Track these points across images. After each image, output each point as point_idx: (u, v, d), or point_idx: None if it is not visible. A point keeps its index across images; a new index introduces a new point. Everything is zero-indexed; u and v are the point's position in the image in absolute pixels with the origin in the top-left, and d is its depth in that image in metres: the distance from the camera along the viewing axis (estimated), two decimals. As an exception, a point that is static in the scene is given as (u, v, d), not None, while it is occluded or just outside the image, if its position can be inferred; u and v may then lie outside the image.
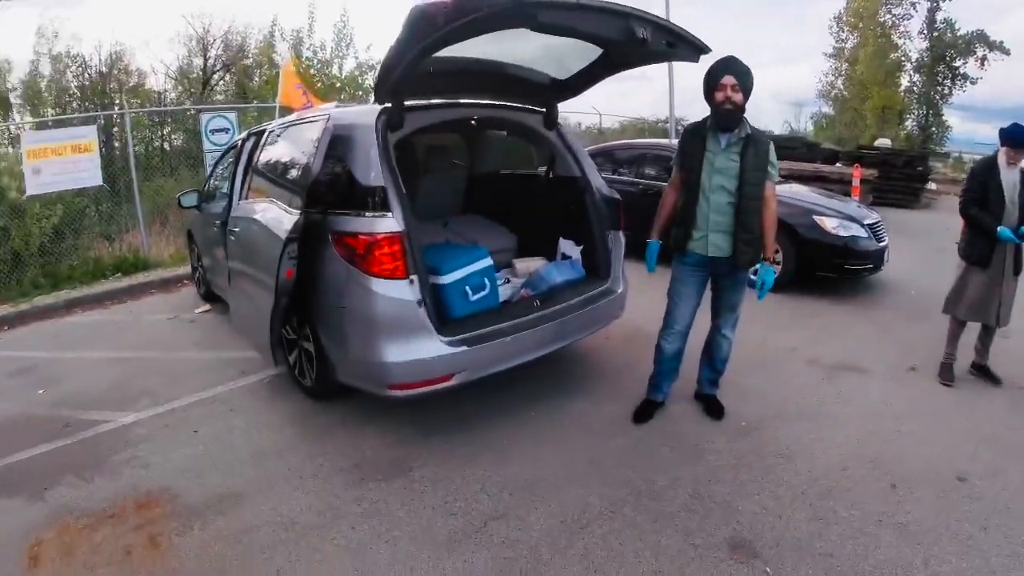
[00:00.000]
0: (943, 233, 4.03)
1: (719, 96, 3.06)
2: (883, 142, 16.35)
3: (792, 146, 13.67)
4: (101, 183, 8.01)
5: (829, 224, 5.93)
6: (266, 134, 4.45)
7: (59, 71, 17.58)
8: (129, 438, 3.62)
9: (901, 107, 28.73)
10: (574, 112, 16.22)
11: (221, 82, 20.11)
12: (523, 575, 2.38)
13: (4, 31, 26.49)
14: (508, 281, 4.06)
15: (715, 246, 3.20)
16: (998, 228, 3.72)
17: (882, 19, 28.48)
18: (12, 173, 7.68)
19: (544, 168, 4.63)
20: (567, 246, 4.20)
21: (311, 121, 3.75)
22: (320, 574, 2.43)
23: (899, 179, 13.02)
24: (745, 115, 3.14)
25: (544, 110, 4.03)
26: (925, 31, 28.22)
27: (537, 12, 2.41)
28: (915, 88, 29.27)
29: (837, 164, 12.24)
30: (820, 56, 32.11)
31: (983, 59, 27.26)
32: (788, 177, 8.60)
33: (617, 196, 4.11)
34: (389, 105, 3.28)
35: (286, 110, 7.70)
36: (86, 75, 17.75)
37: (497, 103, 3.93)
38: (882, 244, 6.12)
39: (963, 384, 4.00)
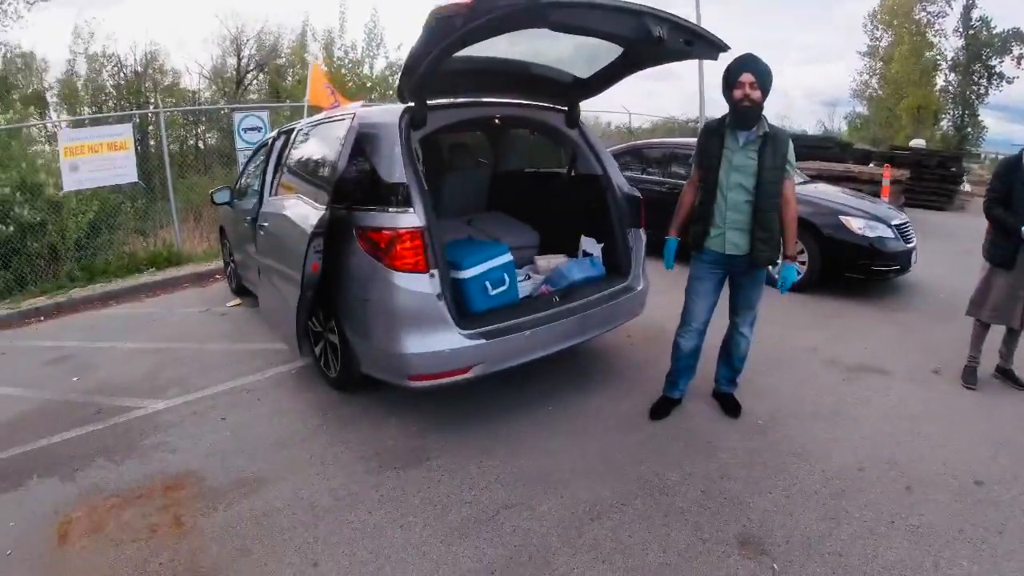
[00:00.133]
0: (975, 235, 3.98)
1: (737, 94, 3.06)
2: (917, 143, 16.03)
3: (824, 146, 13.51)
4: (136, 180, 8.23)
5: (855, 224, 5.87)
6: (295, 133, 4.57)
7: (95, 70, 18.08)
8: (158, 424, 3.76)
9: (936, 107, 28.14)
10: (604, 111, 16.26)
11: (255, 81, 20.49)
12: (532, 562, 2.44)
13: (41, 31, 27.31)
14: (529, 277, 4.11)
15: (732, 244, 3.22)
16: (1023, 228, 3.66)
17: (917, 17, 27.94)
18: (49, 170, 7.90)
19: (566, 166, 4.67)
20: (588, 243, 4.24)
21: (337, 120, 3.85)
22: (337, 555, 2.52)
23: (932, 180, 12.78)
24: (764, 113, 3.14)
25: (566, 108, 4.08)
26: (960, 29, 27.68)
27: (550, 12, 2.46)
28: (950, 88, 28.70)
29: (870, 164, 12.06)
30: (854, 55, 31.60)
31: (1020, 58, 26.59)
32: (817, 177, 8.53)
33: (638, 194, 4.14)
34: (412, 104, 3.37)
35: (315, 109, 7.84)
36: (122, 74, 18.22)
37: (520, 102, 3.98)
38: (910, 245, 6.03)
39: (986, 388, 3.94)
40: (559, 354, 3.64)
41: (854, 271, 5.93)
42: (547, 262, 4.24)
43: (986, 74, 27.96)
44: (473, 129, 5.03)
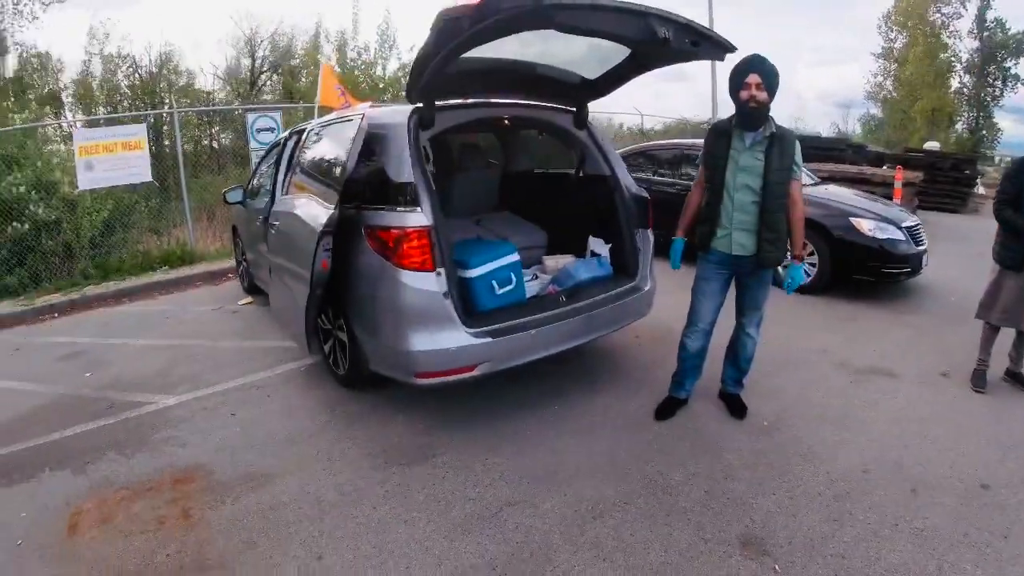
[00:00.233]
0: (988, 238, 3.95)
1: (743, 95, 3.07)
2: (932, 145, 15.92)
3: (836, 148, 13.43)
4: (150, 179, 8.32)
5: (866, 226, 5.85)
6: (306, 133, 4.62)
7: (110, 71, 18.24)
8: (169, 419, 3.81)
9: (951, 109, 27.93)
10: (617, 113, 16.25)
11: (268, 82, 20.63)
12: (533, 559, 2.46)
13: (56, 32, 27.64)
14: (536, 277, 4.13)
15: (739, 244, 3.22)
16: None
17: (931, 18, 27.76)
18: (65, 169, 8.00)
19: (575, 167, 4.69)
20: (596, 244, 4.25)
21: (347, 120, 3.89)
22: (341, 549, 2.55)
23: (946, 183, 12.71)
24: (772, 114, 3.14)
25: (575, 109, 4.10)
26: (975, 31, 27.44)
27: (555, 13, 2.48)
28: (965, 90, 28.47)
29: (884, 167, 11.99)
30: (868, 57, 31.43)
31: (1035, 59, 26.40)
32: (829, 179, 8.49)
33: (646, 195, 4.15)
34: (420, 105, 3.40)
35: (325, 110, 7.90)
36: (136, 75, 18.39)
37: (528, 103, 4.01)
38: (920, 248, 6.00)
39: (995, 391, 3.91)
40: (566, 353, 3.66)
41: (864, 273, 5.91)
42: (555, 262, 4.26)
43: (1001, 76, 27.74)
44: (482, 129, 5.06)
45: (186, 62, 21.10)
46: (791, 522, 2.64)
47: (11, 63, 17.73)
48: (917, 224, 6.23)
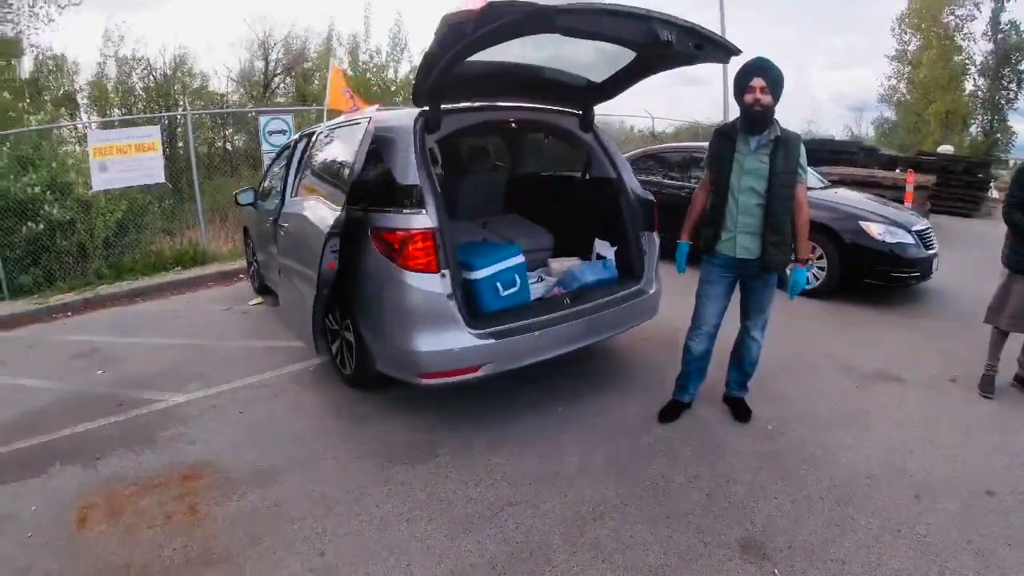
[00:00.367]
0: (1000, 242, 3.94)
1: (748, 98, 3.07)
2: (946, 148, 15.80)
3: (849, 151, 13.35)
4: (163, 181, 8.42)
5: (875, 230, 5.82)
6: (315, 136, 4.68)
7: (125, 73, 18.41)
8: (179, 416, 3.87)
9: (965, 112, 27.69)
10: (629, 116, 16.25)
11: (282, 85, 20.79)
12: (532, 558, 2.47)
13: (72, 34, 27.94)
14: (542, 279, 4.15)
15: (743, 247, 3.22)
16: None
17: (945, 20, 27.55)
18: (79, 169, 8.12)
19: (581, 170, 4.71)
20: (602, 246, 4.27)
21: (355, 123, 3.94)
22: (343, 545, 2.59)
23: (958, 186, 12.59)
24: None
25: (580, 113, 4.12)
26: (989, 33, 27.20)
27: (557, 17, 2.50)
28: (979, 92, 28.21)
29: (896, 170, 11.92)
30: (882, 59, 31.25)
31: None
32: (840, 182, 8.45)
33: (651, 197, 4.17)
34: (426, 108, 3.44)
35: (334, 113, 7.96)
36: (151, 77, 18.56)
37: (534, 106, 4.03)
38: (931, 252, 5.96)
39: (1004, 397, 3.87)
40: (571, 355, 3.68)
41: (874, 277, 5.87)
42: (560, 264, 4.27)
43: (1016, 79, 27.47)
44: (489, 132, 5.10)
45: (200, 65, 21.31)
46: (792, 526, 2.63)
47: (27, 65, 17.96)
48: (927, 228, 6.19)
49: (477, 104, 3.81)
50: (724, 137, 3.27)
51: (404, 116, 3.52)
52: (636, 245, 4.08)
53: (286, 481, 3.07)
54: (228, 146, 16.75)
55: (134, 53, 18.50)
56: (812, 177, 6.93)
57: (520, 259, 3.74)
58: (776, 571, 2.38)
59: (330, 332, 4.08)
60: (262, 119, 9.55)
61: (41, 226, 7.51)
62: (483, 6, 2.41)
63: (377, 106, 4.44)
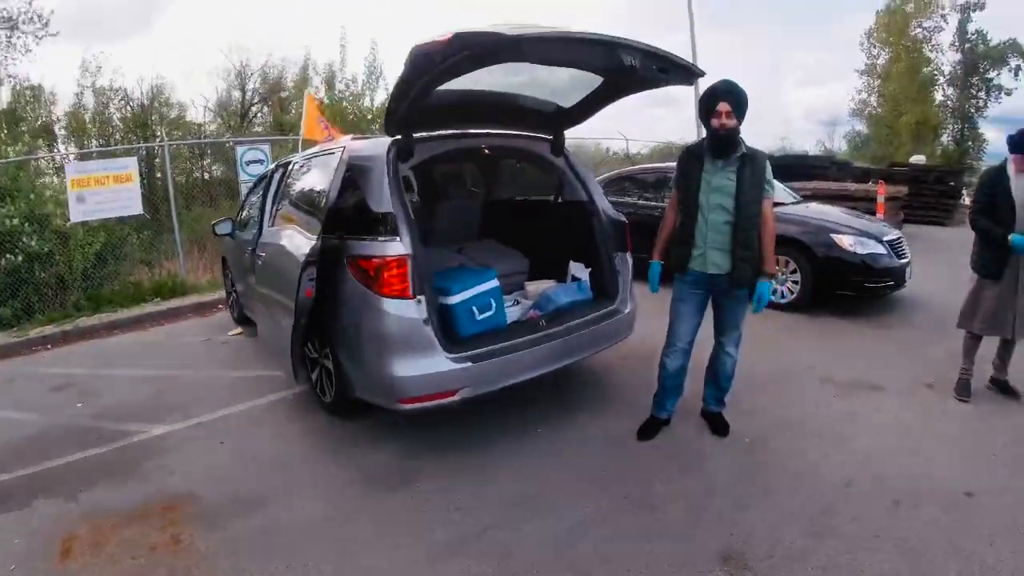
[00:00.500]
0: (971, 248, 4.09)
1: (715, 123, 3.15)
2: (917, 159, 16.12)
3: (821, 165, 13.60)
4: (141, 212, 8.39)
5: (846, 242, 5.92)
6: (291, 165, 4.73)
7: (102, 103, 18.38)
8: (160, 447, 3.85)
9: (936, 122, 28.28)
10: (604, 138, 16.43)
11: (259, 114, 20.82)
12: (515, 579, 2.49)
13: (49, 65, 27.86)
14: (518, 303, 4.19)
15: (714, 264, 3.28)
16: (1010, 236, 3.65)
17: (913, 33, 28.21)
18: (57, 201, 8.07)
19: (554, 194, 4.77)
20: (577, 268, 4.32)
21: (330, 153, 3.99)
22: (326, 572, 2.58)
23: (931, 196, 12.88)
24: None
25: (551, 137, 4.19)
26: (956, 43, 27.88)
27: (521, 46, 2.56)
28: (949, 102, 28.84)
29: (869, 182, 12.16)
30: (852, 75, 31.85)
31: (1018, 69, 26.80)
32: (812, 197, 8.60)
33: (623, 219, 4.24)
34: (399, 137, 3.49)
35: (310, 143, 8.00)
36: (128, 108, 18.53)
37: (506, 132, 4.10)
38: (903, 261, 6.08)
39: (980, 399, 3.95)
40: (548, 377, 3.70)
41: (847, 288, 5.97)
42: (536, 287, 4.33)
43: (984, 87, 28.14)
44: (463, 159, 5.16)
45: (177, 95, 21.22)
46: (772, 536, 2.66)
47: (4, 95, 17.89)
48: (899, 237, 6.32)
49: (449, 132, 3.86)
50: (691, 156, 3.36)
51: (378, 145, 3.56)
52: (610, 266, 4.13)
53: (268, 510, 3.05)
54: (206, 176, 16.72)
55: (111, 83, 18.53)
56: (783, 192, 7.04)
57: (495, 283, 3.78)
58: (757, 581, 2.40)
59: (309, 360, 4.07)
60: (239, 149, 9.54)
61: (19, 258, 7.43)
62: (450, 37, 2.47)
63: (352, 136, 4.49)
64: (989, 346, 4.05)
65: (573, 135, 4.29)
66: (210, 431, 4.03)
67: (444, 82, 2.92)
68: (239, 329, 6.50)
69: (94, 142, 17.34)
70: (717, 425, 3.64)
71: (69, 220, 7.79)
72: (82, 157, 12.65)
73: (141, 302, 8.01)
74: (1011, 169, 3.77)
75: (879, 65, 30.09)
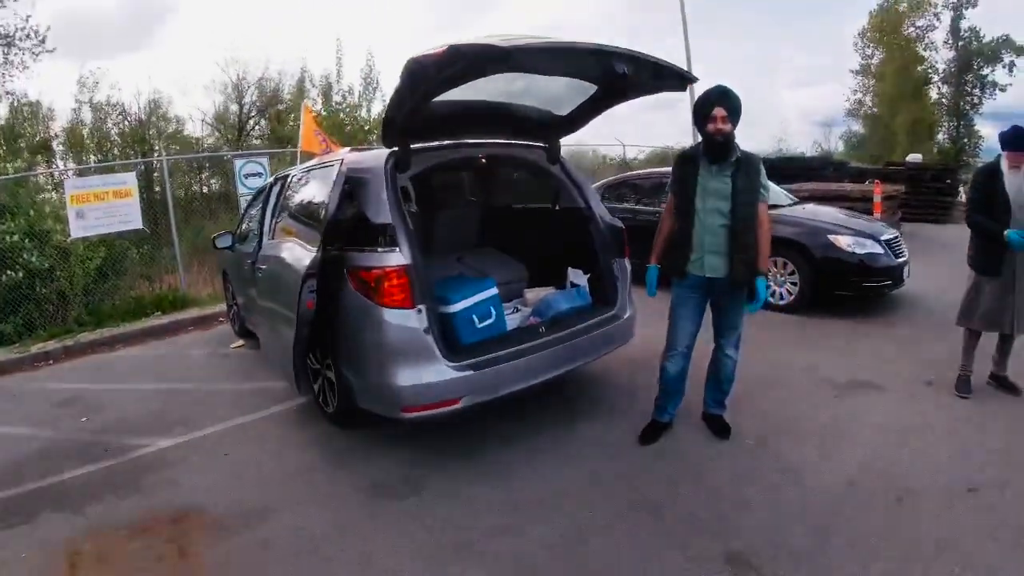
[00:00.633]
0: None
1: (710, 128, 3.19)
2: (914, 157, 16.14)
3: (818, 166, 13.65)
4: (141, 226, 8.41)
5: (844, 242, 5.95)
6: (289, 178, 4.76)
7: (100, 119, 18.45)
8: (165, 461, 3.86)
9: (931, 120, 28.35)
10: (600, 144, 16.47)
11: (256, 127, 20.86)
12: (521, 584, 2.50)
13: (47, 81, 27.96)
14: (517, 310, 4.22)
15: (711, 267, 3.31)
16: (1005, 232, 3.67)
17: (906, 32, 28.30)
18: (57, 217, 8.10)
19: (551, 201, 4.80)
20: (575, 275, 4.34)
21: (328, 165, 4.02)
22: (333, 582, 2.60)
23: (928, 194, 12.92)
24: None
25: (547, 146, 4.22)
26: (950, 41, 27.96)
27: (517, 56, 2.59)
28: (944, 100, 28.90)
29: (866, 182, 12.21)
30: (847, 75, 31.93)
31: (1011, 65, 26.89)
32: (809, 198, 8.63)
33: (621, 225, 4.27)
34: (396, 149, 3.53)
35: (307, 155, 8.03)
36: (126, 122, 18.60)
37: (502, 141, 4.14)
38: (901, 260, 6.10)
39: (980, 395, 3.97)
40: (550, 383, 3.72)
41: (846, 288, 6.00)
42: (535, 294, 4.34)
43: (978, 83, 28.22)
44: (460, 169, 5.19)
45: (175, 109, 21.28)
46: (776, 537, 2.67)
47: (2, 112, 17.97)
48: (896, 236, 6.34)
49: (446, 142, 3.89)
50: (687, 161, 3.39)
51: (375, 157, 3.60)
52: (608, 272, 4.15)
53: (274, 520, 3.07)
54: (204, 189, 16.77)
55: (109, 99, 18.59)
56: (780, 194, 7.08)
57: (494, 291, 3.81)
58: (762, 581, 2.42)
59: (311, 371, 4.09)
60: (237, 162, 9.57)
61: (20, 274, 7.46)
62: (446, 49, 2.51)
63: (349, 148, 4.52)
64: (987, 343, 4.07)
65: (570, 142, 4.32)
66: (214, 443, 4.05)
67: (440, 93, 2.96)
68: (241, 342, 6.51)
69: (92, 157, 17.38)
70: (718, 427, 3.66)
71: (69, 236, 7.81)
72: (80, 173, 12.70)
73: (142, 316, 8.02)
74: (1004, 165, 3.80)
75: (873, 65, 30.19)
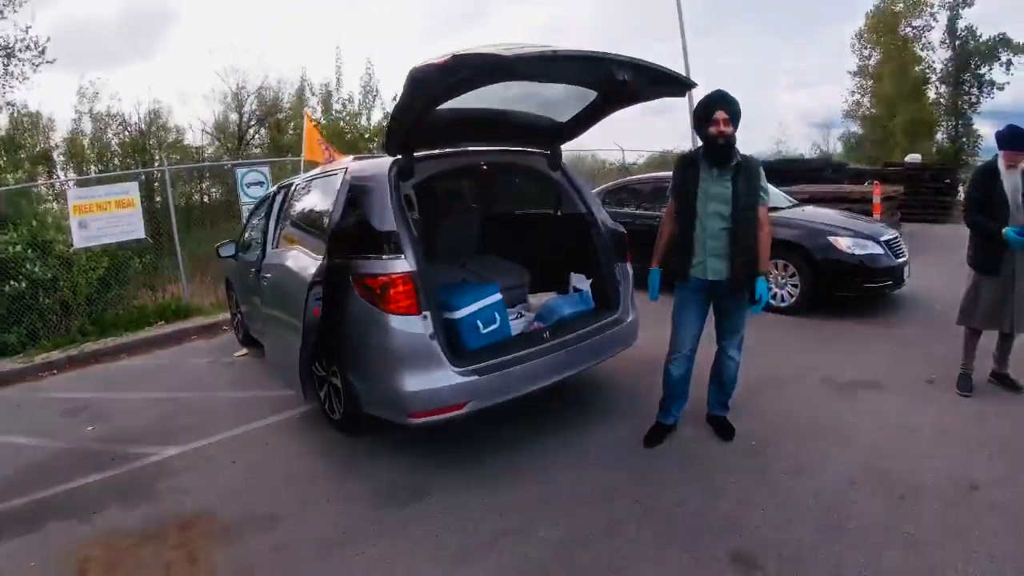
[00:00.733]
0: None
1: (712, 130, 3.22)
2: (913, 158, 16.17)
3: (816, 168, 13.68)
4: (144, 236, 8.44)
5: (844, 243, 5.98)
6: (293, 187, 4.79)
7: (100, 129, 18.52)
8: (172, 468, 3.89)
9: (930, 120, 28.37)
10: (600, 149, 16.52)
11: (256, 136, 20.90)
12: (529, 586, 2.53)
13: (47, 92, 28.06)
14: (521, 315, 4.25)
15: (713, 270, 3.34)
16: (1004, 230, 3.70)
17: (903, 32, 28.34)
18: (59, 227, 8.13)
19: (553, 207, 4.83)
20: (578, 279, 4.37)
21: (332, 174, 4.04)
22: (342, 586, 2.62)
23: (927, 194, 12.94)
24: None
25: (548, 152, 4.26)
26: (947, 40, 27.99)
27: (518, 65, 2.62)
28: (942, 100, 28.92)
29: (865, 183, 12.24)
30: (844, 76, 31.98)
31: (1008, 63, 26.91)
32: (808, 200, 8.66)
33: (622, 229, 4.30)
34: (400, 157, 3.56)
35: (311, 164, 8.06)
36: (126, 132, 18.66)
37: (504, 148, 4.17)
38: (901, 260, 6.13)
39: (981, 393, 3.99)
40: (554, 387, 3.74)
41: (847, 289, 6.03)
42: (538, 299, 4.38)
43: (976, 83, 28.25)
44: (462, 176, 5.23)
45: (175, 118, 21.33)
46: (781, 536, 2.69)
47: (3, 122, 18.03)
48: (896, 237, 6.37)
49: (449, 150, 3.94)
50: (687, 166, 3.42)
51: (379, 165, 3.63)
52: (610, 276, 4.18)
53: (282, 526, 3.09)
54: (205, 199, 16.81)
55: (109, 109, 18.66)
56: (779, 197, 7.11)
57: (498, 297, 3.84)
58: (766, 580, 2.43)
59: (317, 378, 4.12)
60: (239, 171, 9.61)
61: (23, 284, 7.48)
62: (447, 59, 2.54)
63: (353, 157, 4.55)
64: (987, 342, 4.10)
65: (568, 147, 4.35)
66: (221, 451, 4.08)
67: (443, 102, 2.99)
68: (245, 350, 6.53)
69: (93, 168, 17.44)
70: (722, 429, 3.68)
71: (72, 246, 7.84)
72: (81, 183, 12.73)
73: (146, 326, 8.04)
74: (1001, 165, 3.83)
75: (870, 66, 30.24)
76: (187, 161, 17.76)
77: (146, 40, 33.22)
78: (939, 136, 29.57)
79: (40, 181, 11.98)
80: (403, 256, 3.29)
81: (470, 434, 3.83)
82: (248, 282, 5.44)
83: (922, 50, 28.89)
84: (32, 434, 4.72)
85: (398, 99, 2.97)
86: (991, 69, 27.77)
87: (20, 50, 17.11)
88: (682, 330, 3.53)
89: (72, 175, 17.08)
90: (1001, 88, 27.61)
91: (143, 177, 12.43)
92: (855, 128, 32.08)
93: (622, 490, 3.17)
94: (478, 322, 3.67)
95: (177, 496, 3.52)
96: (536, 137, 4.17)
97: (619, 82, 2.94)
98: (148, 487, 3.66)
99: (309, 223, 4.12)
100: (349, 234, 3.47)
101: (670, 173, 3.69)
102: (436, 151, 3.85)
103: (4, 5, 16.53)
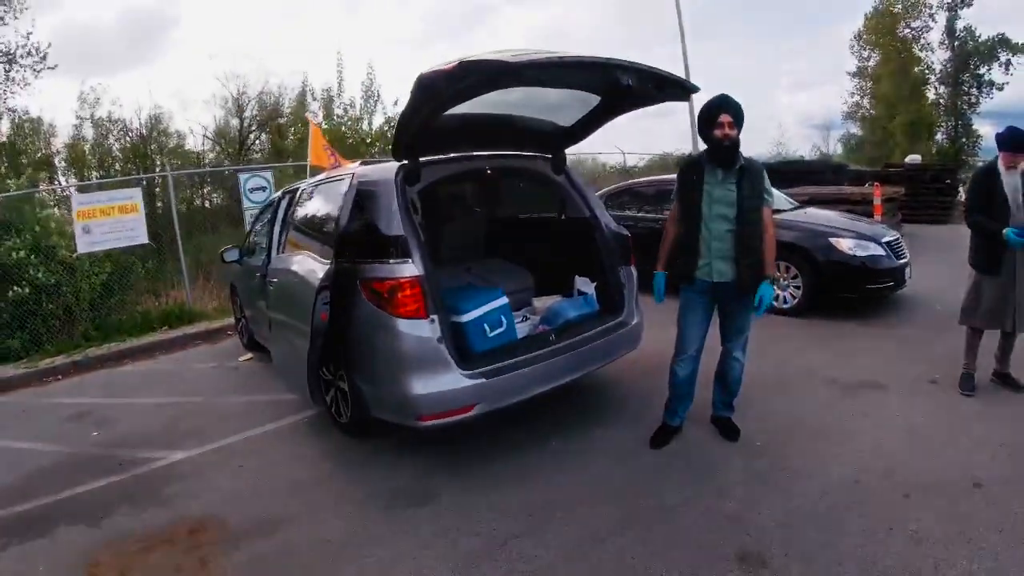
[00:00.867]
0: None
1: (718, 134, 3.25)
2: (913, 158, 16.20)
3: (817, 170, 13.71)
4: (147, 241, 8.47)
5: (845, 245, 6.00)
6: (299, 192, 4.81)
7: (101, 135, 18.53)
8: (179, 473, 3.91)
9: (930, 121, 28.39)
10: (601, 153, 16.56)
11: (257, 141, 20.92)
12: (538, 586, 2.54)
13: (48, 98, 28.10)
14: (527, 318, 4.27)
15: (719, 272, 3.37)
16: (1004, 230, 3.73)
17: (901, 34, 28.37)
18: (62, 232, 8.14)
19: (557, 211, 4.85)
20: (582, 283, 4.39)
21: (338, 179, 4.08)
22: (352, 589, 2.64)
23: (928, 195, 12.95)
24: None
25: (551, 156, 4.29)
26: (946, 41, 28.01)
27: (522, 71, 2.65)
28: (941, 100, 28.93)
29: (865, 185, 12.27)
30: (844, 78, 32.02)
31: (1007, 63, 26.94)
32: (809, 202, 8.68)
33: (626, 232, 4.32)
34: (406, 162, 3.59)
35: (316, 169, 8.09)
36: (127, 138, 18.68)
37: (508, 152, 4.20)
38: (902, 261, 6.15)
39: (984, 393, 4.02)
40: (560, 389, 3.76)
41: (848, 291, 6.05)
42: (543, 303, 4.39)
43: (975, 83, 28.27)
44: (467, 180, 5.26)
45: (175, 124, 21.36)
46: (786, 535, 2.71)
47: (4, 128, 18.06)
48: (897, 238, 6.39)
49: (454, 155, 3.96)
50: (692, 169, 3.45)
51: (386, 170, 3.66)
52: (615, 279, 4.20)
53: (291, 529, 3.11)
54: (207, 204, 16.83)
55: (110, 115, 18.66)
56: (780, 199, 7.13)
57: (504, 300, 3.87)
58: (774, 578, 2.45)
59: (324, 382, 4.14)
60: (242, 177, 9.64)
61: (27, 290, 7.50)
62: (455, 65, 2.57)
63: (359, 162, 4.58)
64: (990, 341, 4.11)
65: (570, 151, 4.39)
66: (228, 455, 4.09)
67: (450, 108, 3.02)
68: (249, 355, 6.56)
69: (94, 173, 17.45)
70: (727, 429, 3.70)
71: (76, 251, 7.86)
72: (82, 189, 12.75)
73: (149, 331, 8.07)
74: (1001, 165, 3.86)
75: (870, 67, 30.28)
76: (188, 166, 17.78)
77: (147, 46, 33.24)
78: (939, 137, 29.61)
79: (42, 187, 11.96)
80: (410, 260, 3.31)
81: (476, 436, 3.84)
82: (253, 287, 5.46)
83: (921, 51, 28.96)
84: (38, 439, 4.74)
85: (405, 105, 3.00)
86: (990, 69, 27.81)
87: (21, 56, 17.24)
88: (688, 332, 3.55)
89: (73, 181, 17.10)
90: (1001, 88, 27.66)
91: (144, 183, 12.49)
92: (855, 129, 32.19)
93: (629, 491, 3.19)
94: (484, 325, 3.69)
95: (185, 500, 3.54)
96: (540, 141, 4.20)
97: (623, 87, 2.97)
98: (156, 492, 3.68)
99: (316, 228, 4.14)
100: (356, 238, 3.50)
101: (672, 176, 3.72)
102: (441, 156, 3.88)
103: (5, 11, 16.64)
